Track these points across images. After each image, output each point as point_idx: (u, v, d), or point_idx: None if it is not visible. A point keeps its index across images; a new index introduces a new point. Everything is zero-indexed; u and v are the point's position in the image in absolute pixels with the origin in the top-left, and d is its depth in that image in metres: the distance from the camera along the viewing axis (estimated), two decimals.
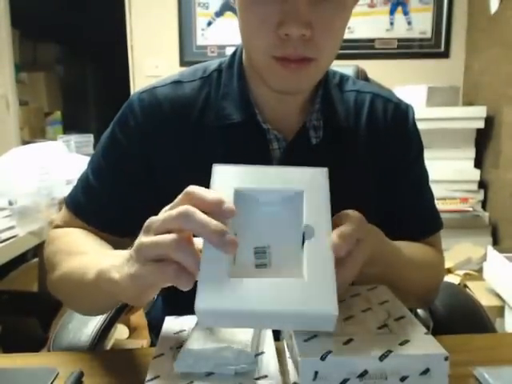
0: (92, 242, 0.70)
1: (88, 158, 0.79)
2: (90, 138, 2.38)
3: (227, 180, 0.51)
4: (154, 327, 0.91)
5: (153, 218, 0.48)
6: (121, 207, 0.74)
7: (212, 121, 0.72)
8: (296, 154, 0.72)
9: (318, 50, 0.62)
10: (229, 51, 2.63)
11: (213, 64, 0.78)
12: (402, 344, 0.44)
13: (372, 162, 0.76)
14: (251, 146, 0.71)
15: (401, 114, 0.78)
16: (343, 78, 0.81)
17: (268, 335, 0.54)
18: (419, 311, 0.89)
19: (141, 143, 0.73)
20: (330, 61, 0.67)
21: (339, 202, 0.53)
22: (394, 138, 0.76)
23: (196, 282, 0.43)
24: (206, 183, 0.70)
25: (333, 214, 0.53)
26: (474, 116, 2.28)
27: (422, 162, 0.81)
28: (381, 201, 0.76)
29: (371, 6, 2.65)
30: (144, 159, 0.73)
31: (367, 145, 0.76)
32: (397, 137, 0.77)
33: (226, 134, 0.72)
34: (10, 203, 1.55)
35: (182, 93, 0.74)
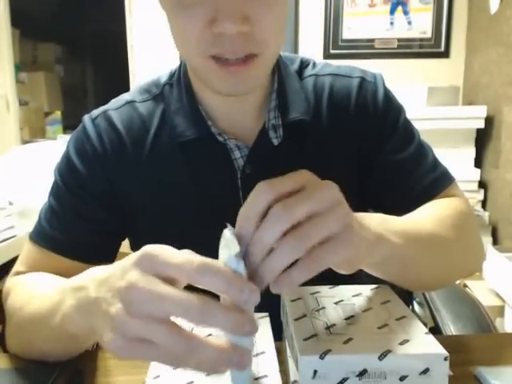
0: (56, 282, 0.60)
1: None
2: None
3: None
4: None
5: (142, 295, 0.38)
6: (95, 231, 0.70)
7: (168, 139, 0.69)
8: (258, 159, 0.68)
9: (261, 43, 0.56)
10: None
11: (163, 77, 0.74)
12: (401, 343, 0.44)
13: (344, 148, 0.71)
14: (213, 160, 0.68)
15: (368, 86, 0.72)
16: (303, 64, 0.75)
17: (268, 335, 0.54)
18: (418, 311, 0.89)
19: (102, 168, 0.70)
20: (276, 52, 0.61)
21: None
22: (366, 114, 0.71)
23: None
24: (171, 203, 0.69)
25: None
26: (473, 116, 2.28)
27: (403, 125, 0.73)
28: (368, 181, 0.71)
29: (371, 5, 2.65)
30: (107, 183, 0.70)
31: (333, 133, 0.70)
32: (369, 112, 0.71)
33: (185, 152, 0.68)
34: (10, 203, 1.55)
35: (136, 115, 0.71)
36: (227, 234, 0.41)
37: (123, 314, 0.38)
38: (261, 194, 0.41)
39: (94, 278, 0.45)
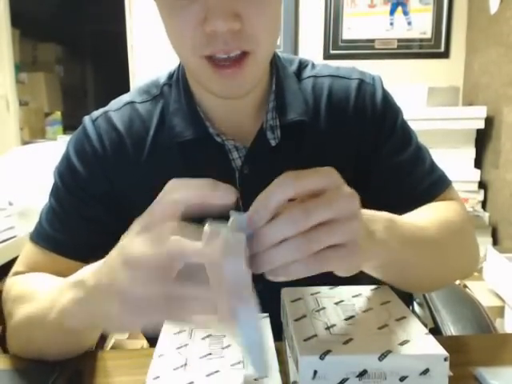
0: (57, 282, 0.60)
1: None
2: None
3: None
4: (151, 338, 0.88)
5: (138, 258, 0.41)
6: (96, 231, 0.70)
7: (167, 139, 0.69)
8: (256, 160, 0.68)
9: (253, 41, 0.56)
10: None
11: (162, 77, 0.74)
12: (401, 344, 0.44)
13: (342, 149, 0.71)
14: (211, 161, 0.68)
15: (366, 88, 0.73)
16: (302, 65, 0.75)
17: (268, 335, 0.54)
18: (418, 311, 0.89)
19: (102, 169, 0.70)
20: (270, 50, 0.62)
21: None
22: (365, 116, 0.71)
23: None
24: None
25: None
26: (473, 116, 2.28)
27: (401, 127, 0.74)
28: (366, 182, 0.70)
29: (371, 6, 2.65)
30: (107, 183, 0.70)
31: (332, 134, 0.70)
32: (368, 113, 0.71)
33: (183, 152, 0.69)
34: (10, 204, 1.55)
35: (136, 115, 0.71)
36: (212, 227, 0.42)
37: (126, 279, 0.40)
38: (285, 186, 0.41)
39: (91, 268, 0.46)
